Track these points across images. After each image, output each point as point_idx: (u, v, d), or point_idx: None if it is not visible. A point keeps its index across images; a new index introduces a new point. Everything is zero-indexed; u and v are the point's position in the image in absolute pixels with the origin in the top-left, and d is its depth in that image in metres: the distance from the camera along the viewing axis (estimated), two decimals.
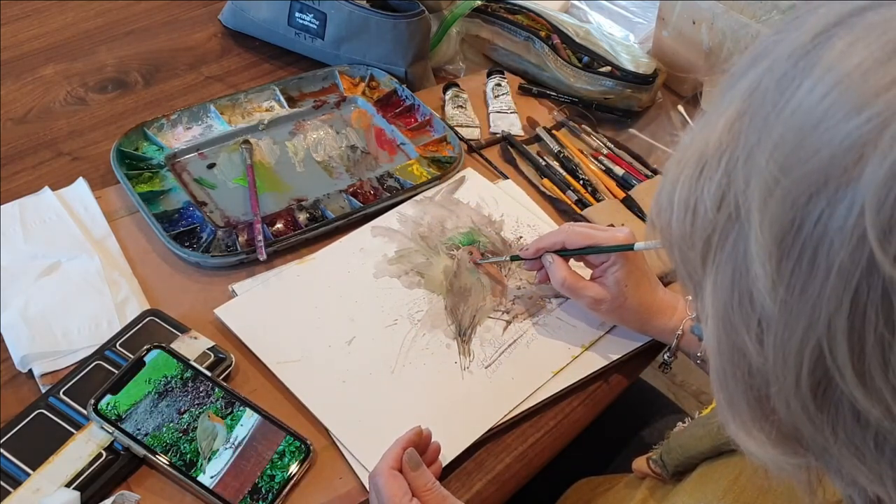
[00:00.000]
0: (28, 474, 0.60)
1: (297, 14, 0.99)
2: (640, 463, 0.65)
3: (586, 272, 0.74)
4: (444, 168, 0.89)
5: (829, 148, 0.27)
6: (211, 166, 0.87)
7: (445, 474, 0.65)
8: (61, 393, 0.65)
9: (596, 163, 0.94)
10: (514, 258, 0.77)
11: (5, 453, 0.61)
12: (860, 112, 0.27)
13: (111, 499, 0.58)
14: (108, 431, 0.62)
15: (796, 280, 0.29)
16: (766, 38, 0.33)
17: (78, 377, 0.66)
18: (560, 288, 0.72)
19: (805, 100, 0.29)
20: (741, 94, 0.32)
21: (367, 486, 0.63)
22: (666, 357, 0.73)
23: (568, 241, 0.71)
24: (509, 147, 0.94)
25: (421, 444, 0.62)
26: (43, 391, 0.66)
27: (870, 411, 0.29)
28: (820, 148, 0.28)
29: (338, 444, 0.65)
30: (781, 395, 0.31)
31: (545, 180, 0.91)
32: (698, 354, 0.70)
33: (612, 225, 0.84)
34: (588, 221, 0.85)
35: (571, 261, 0.73)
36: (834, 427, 0.31)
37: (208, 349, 0.68)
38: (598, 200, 0.88)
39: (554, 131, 0.97)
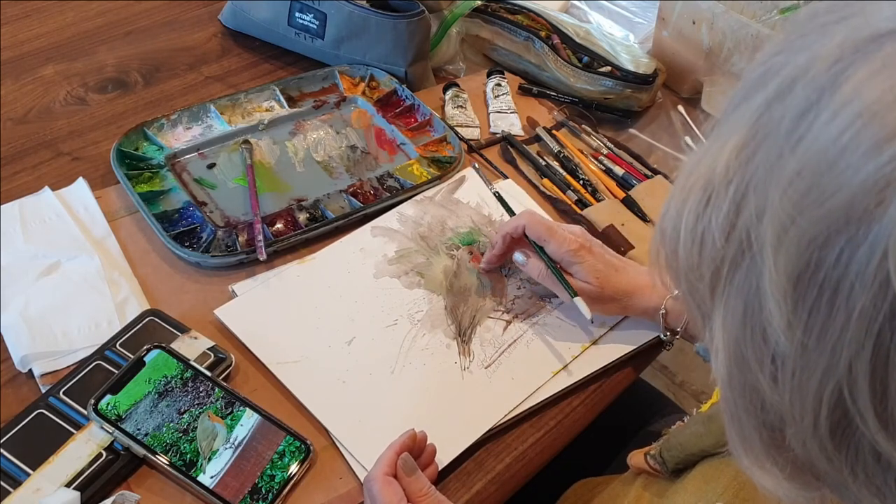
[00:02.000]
0: (28, 474, 0.60)
1: (297, 14, 0.99)
2: (637, 458, 0.65)
3: None
4: (444, 168, 0.89)
5: (849, 188, 0.26)
6: (211, 166, 0.87)
7: (445, 474, 0.65)
8: (61, 393, 0.65)
9: (596, 163, 0.94)
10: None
11: (5, 453, 0.61)
12: (881, 150, 0.26)
13: (111, 499, 0.58)
14: (108, 431, 0.62)
15: (814, 322, 0.28)
16: (771, 55, 0.32)
17: (78, 377, 0.66)
18: (541, 280, 0.74)
19: (822, 134, 0.27)
20: (748, 119, 0.31)
21: None
22: (662, 336, 0.74)
23: (528, 225, 0.73)
24: (509, 147, 0.94)
25: (415, 448, 0.61)
26: (43, 391, 0.66)
27: (892, 454, 0.28)
28: (839, 187, 0.27)
29: (338, 444, 0.65)
30: (798, 435, 0.31)
31: (545, 180, 0.91)
32: (678, 330, 0.72)
33: (611, 225, 0.84)
34: (588, 221, 0.85)
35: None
36: (853, 467, 0.30)
37: (208, 349, 0.68)
38: (598, 200, 0.88)
39: (554, 131, 0.97)
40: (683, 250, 0.33)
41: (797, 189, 0.28)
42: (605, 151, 0.95)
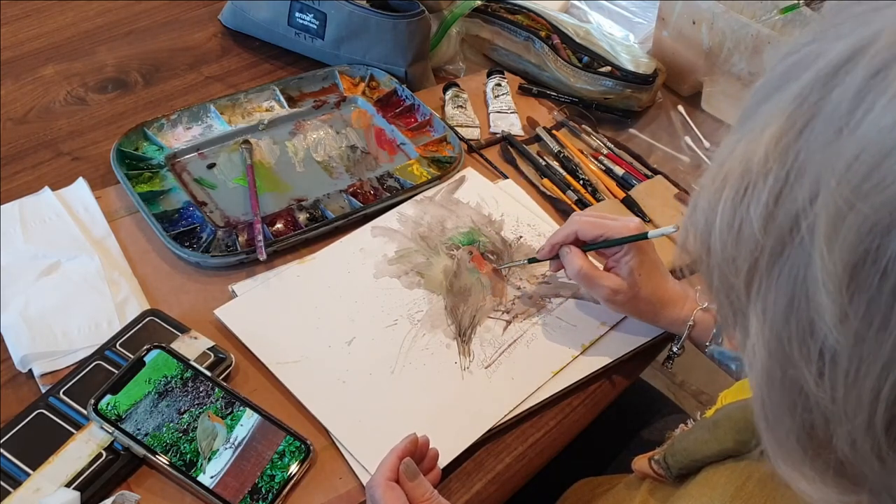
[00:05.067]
0: (28, 474, 0.60)
1: (297, 14, 0.99)
2: (641, 463, 0.65)
3: (599, 263, 0.74)
4: (444, 168, 0.89)
5: None
6: (211, 166, 0.87)
7: (445, 474, 0.65)
8: (61, 393, 0.65)
9: (596, 163, 0.94)
10: (532, 261, 0.77)
11: (5, 453, 0.61)
12: None
13: (111, 499, 0.58)
14: (108, 431, 0.62)
15: (874, 312, 0.27)
16: (801, 46, 0.31)
17: (78, 377, 0.66)
18: (577, 278, 0.71)
19: (883, 116, 0.26)
20: (785, 108, 0.30)
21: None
22: (674, 349, 0.73)
23: (580, 231, 0.71)
24: (509, 147, 0.94)
25: (417, 452, 0.61)
26: (43, 391, 0.66)
27: None
28: None
29: (338, 444, 0.65)
30: (848, 434, 0.29)
31: (545, 180, 0.91)
32: (707, 344, 0.71)
33: None
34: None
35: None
36: None
37: (208, 349, 0.68)
38: (598, 200, 0.88)
39: (554, 131, 0.97)
40: (718, 243, 0.32)
41: (857, 173, 0.27)
42: (605, 151, 0.95)
